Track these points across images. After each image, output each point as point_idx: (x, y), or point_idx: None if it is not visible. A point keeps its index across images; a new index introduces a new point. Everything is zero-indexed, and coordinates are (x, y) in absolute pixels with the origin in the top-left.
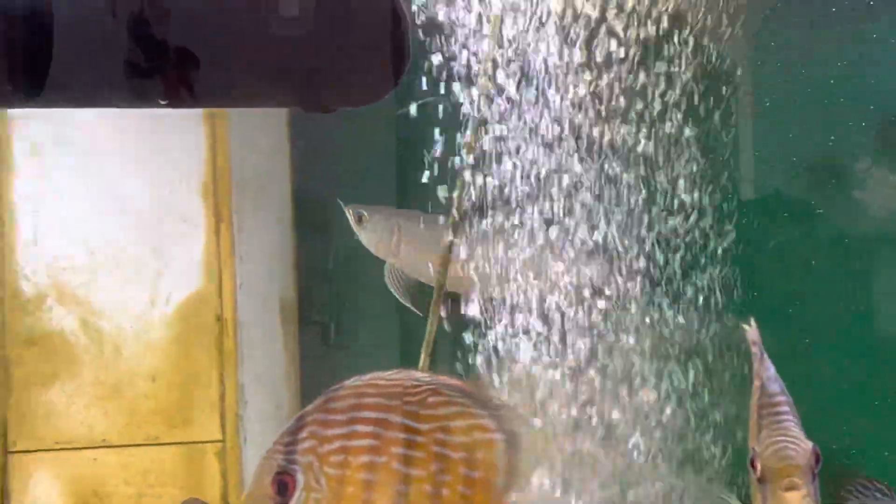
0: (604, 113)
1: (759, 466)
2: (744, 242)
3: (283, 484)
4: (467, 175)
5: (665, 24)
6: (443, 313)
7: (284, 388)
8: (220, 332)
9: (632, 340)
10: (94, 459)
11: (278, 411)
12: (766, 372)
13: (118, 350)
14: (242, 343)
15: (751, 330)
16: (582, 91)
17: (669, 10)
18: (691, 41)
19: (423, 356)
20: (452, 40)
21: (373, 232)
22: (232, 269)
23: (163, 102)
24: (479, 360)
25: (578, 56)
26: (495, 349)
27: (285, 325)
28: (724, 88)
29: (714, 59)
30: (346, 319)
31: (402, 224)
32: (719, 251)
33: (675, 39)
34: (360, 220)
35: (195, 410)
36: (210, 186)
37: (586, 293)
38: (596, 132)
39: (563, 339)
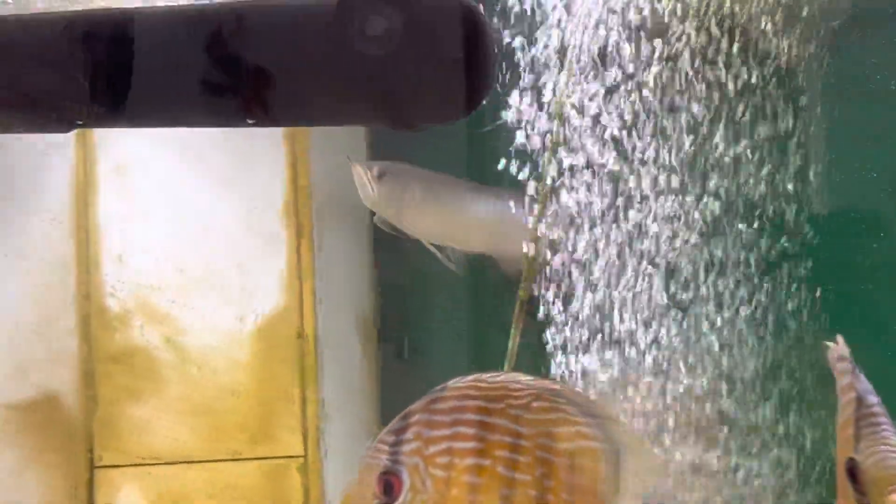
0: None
1: (860, 476)
2: (828, 257)
3: (388, 484)
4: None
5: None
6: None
7: (364, 404)
8: (301, 348)
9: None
10: (178, 474)
11: (359, 426)
12: (861, 384)
13: (202, 366)
14: (323, 359)
15: (837, 346)
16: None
17: (742, 20)
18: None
19: (505, 369)
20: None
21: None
22: (312, 285)
23: (249, 122)
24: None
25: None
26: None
27: (364, 341)
28: (799, 99)
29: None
30: (421, 335)
31: (415, 184)
32: (803, 268)
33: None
34: (381, 177)
35: (277, 426)
36: (291, 205)
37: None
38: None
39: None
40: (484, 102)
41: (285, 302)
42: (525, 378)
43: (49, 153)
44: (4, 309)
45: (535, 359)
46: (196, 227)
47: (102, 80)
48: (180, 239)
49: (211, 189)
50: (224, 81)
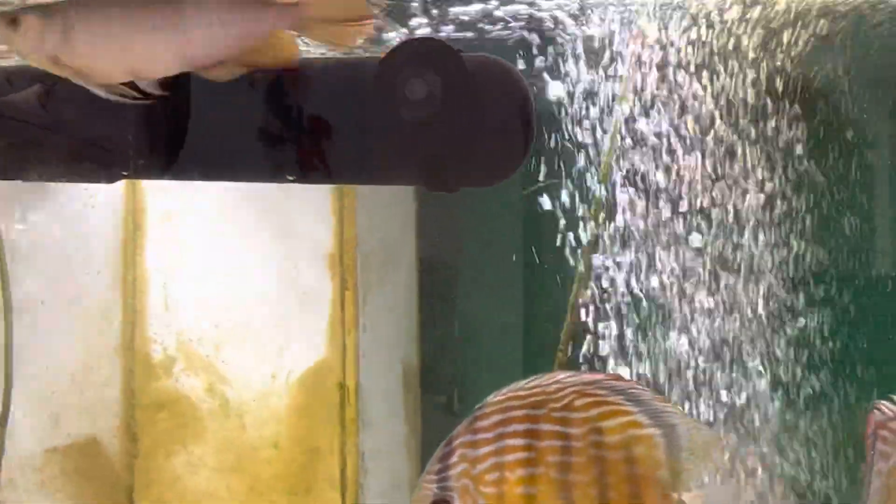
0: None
1: None
2: None
3: None
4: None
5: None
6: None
7: (405, 458)
8: (343, 400)
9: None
10: None
11: (399, 480)
12: None
13: (242, 417)
14: (364, 411)
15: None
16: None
17: None
18: None
19: None
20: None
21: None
22: (355, 338)
23: (290, 178)
24: None
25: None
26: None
27: (407, 393)
28: None
29: None
30: (470, 388)
31: (75, 15)
32: None
33: None
34: (13, 22)
35: (317, 478)
36: (336, 257)
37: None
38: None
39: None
40: (523, 165)
41: (328, 354)
42: (563, 375)
43: (97, 204)
44: (48, 356)
45: None
46: (241, 278)
47: (148, 133)
48: (224, 291)
49: (257, 239)
50: (268, 138)
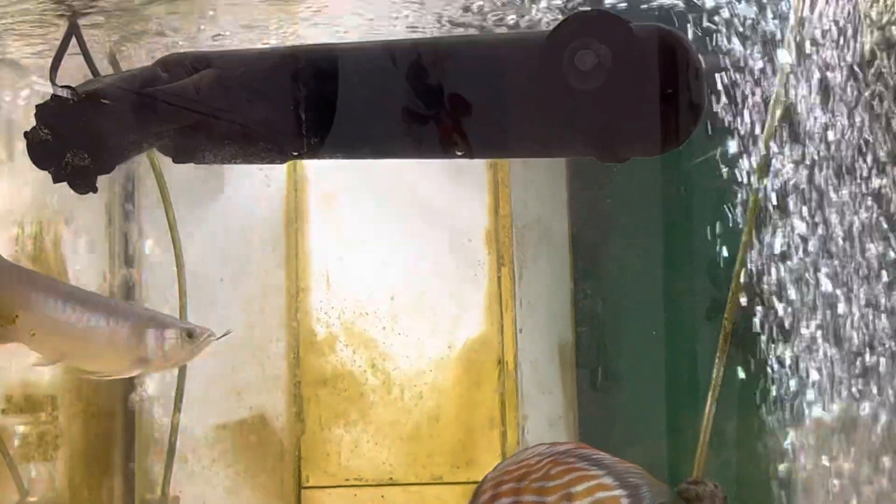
0: None
1: None
2: None
3: None
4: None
5: None
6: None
7: (563, 431)
8: (501, 374)
9: None
10: (381, 496)
11: None
12: None
13: (403, 392)
14: (522, 385)
15: None
16: None
17: None
18: None
19: (709, 399)
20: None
21: None
22: (512, 313)
23: (458, 154)
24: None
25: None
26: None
27: (563, 368)
28: None
29: None
30: (615, 363)
31: None
32: None
33: None
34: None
35: (477, 451)
36: (492, 233)
37: None
38: None
39: None
40: (694, 134)
41: (486, 329)
42: (542, 447)
43: (264, 184)
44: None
45: (741, 390)
46: (400, 257)
47: (318, 113)
48: (382, 267)
49: (414, 217)
50: (436, 115)
